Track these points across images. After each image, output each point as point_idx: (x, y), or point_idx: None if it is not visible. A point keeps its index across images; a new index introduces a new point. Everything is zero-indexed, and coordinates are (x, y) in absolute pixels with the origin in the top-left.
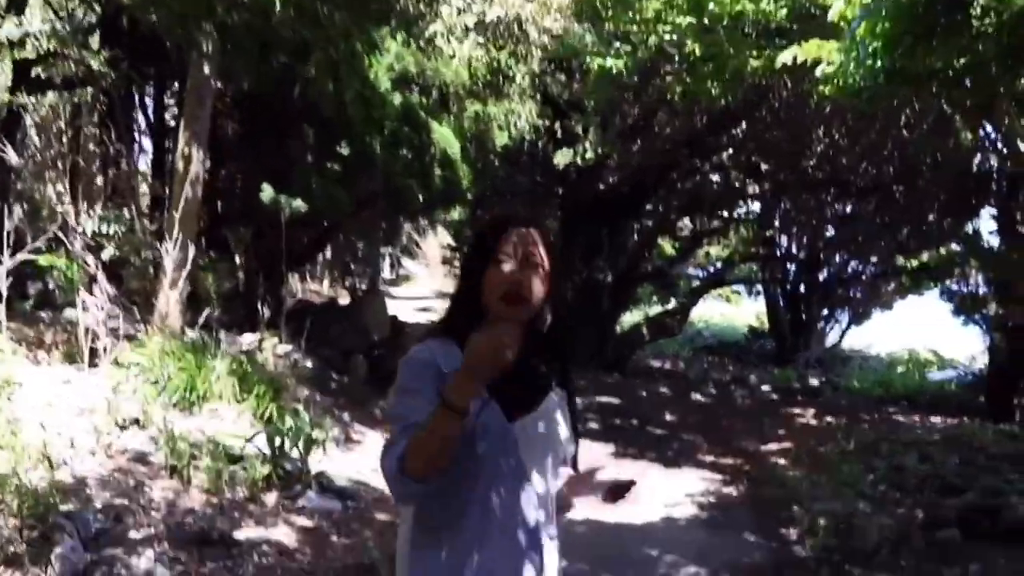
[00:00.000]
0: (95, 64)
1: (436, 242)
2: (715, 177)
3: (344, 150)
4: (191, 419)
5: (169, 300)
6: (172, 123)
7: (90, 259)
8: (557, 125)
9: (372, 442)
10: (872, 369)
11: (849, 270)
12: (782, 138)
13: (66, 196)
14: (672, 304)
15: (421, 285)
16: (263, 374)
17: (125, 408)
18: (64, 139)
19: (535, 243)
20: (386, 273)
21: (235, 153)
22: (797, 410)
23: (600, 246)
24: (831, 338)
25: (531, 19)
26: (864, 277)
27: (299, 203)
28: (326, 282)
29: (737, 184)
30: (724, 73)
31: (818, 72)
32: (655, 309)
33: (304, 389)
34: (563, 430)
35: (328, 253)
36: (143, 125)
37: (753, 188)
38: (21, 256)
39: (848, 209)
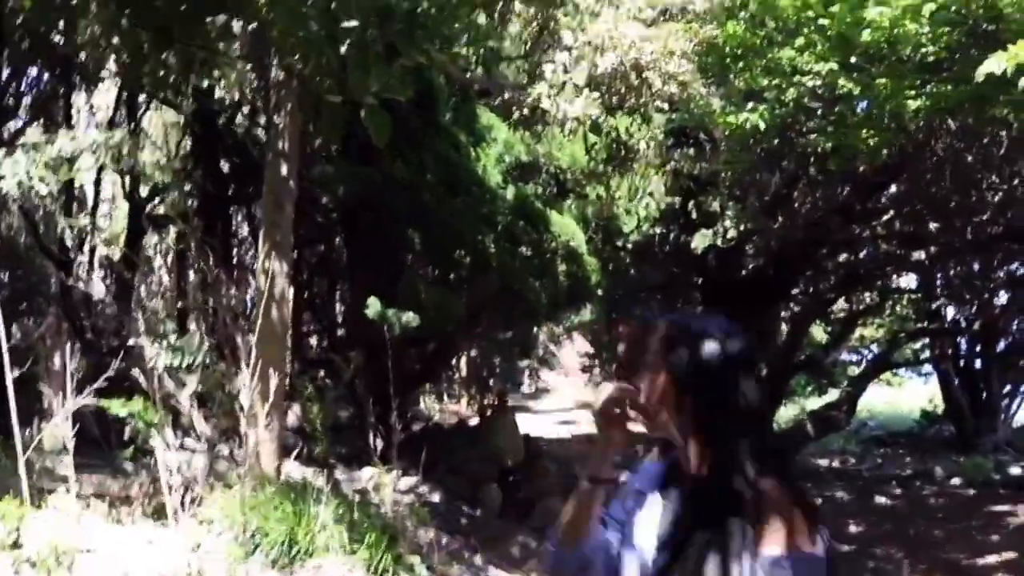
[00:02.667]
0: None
1: (574, 350)
2: (868, 249)
3: (455, 254)
4: None
5: (258, 438)
6: None
7: (174, 397)
8: (691, 205)
9: None
10: None
11: None
12: (949, 190)
13: (140, 325)
14: (833, 394)
15: (561, 397)
16: (378, 517)
17: (210, 572)
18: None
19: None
20: (525, 387)
21: (341, 269)
22: (1005, 507)
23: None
24: (1019, 417)
25: (652, 64)
26: None
27: (409, 316)
28: (464, 401)
29: (898, 252)
30: (881, 119)
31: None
32: (811, 401)
33: (428, 531)
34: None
35: (463, 369)
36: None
37: (917, 255)
38: (81, 400)
39: (1021, 268)
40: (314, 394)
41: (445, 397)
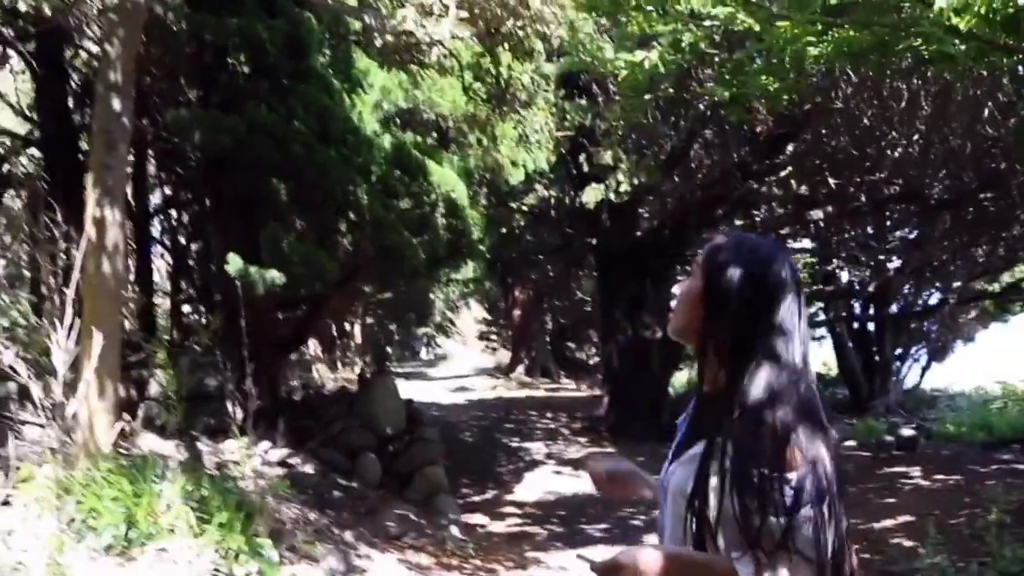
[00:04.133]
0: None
1: (471, 317)
2: (765, 210)
3: (325, 207)
4: (128, 569)
5: (90, 408)
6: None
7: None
8: (582, 158)
9: (381, 569)
10: (963, 409)
11: (921, 301)
12: (847, 146)
13: None
14: None
15: (460, 364)
16: (236, 494)
17: (29, 564)
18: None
19: (701, 253)
20: (423, 354)
21: (205, 225)
22: (899, 468)
23: (644, 299)
24: (910, 379)
25: None
26: (944, 307)
27: (273, 274)
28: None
29: (795, 212)
30: (782, 65)
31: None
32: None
33: (291, 508)
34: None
35: (357, 336)
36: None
37: (815, 215)
38: None
39: (914, 232)
40: (166, 360)
41: (340, 365)
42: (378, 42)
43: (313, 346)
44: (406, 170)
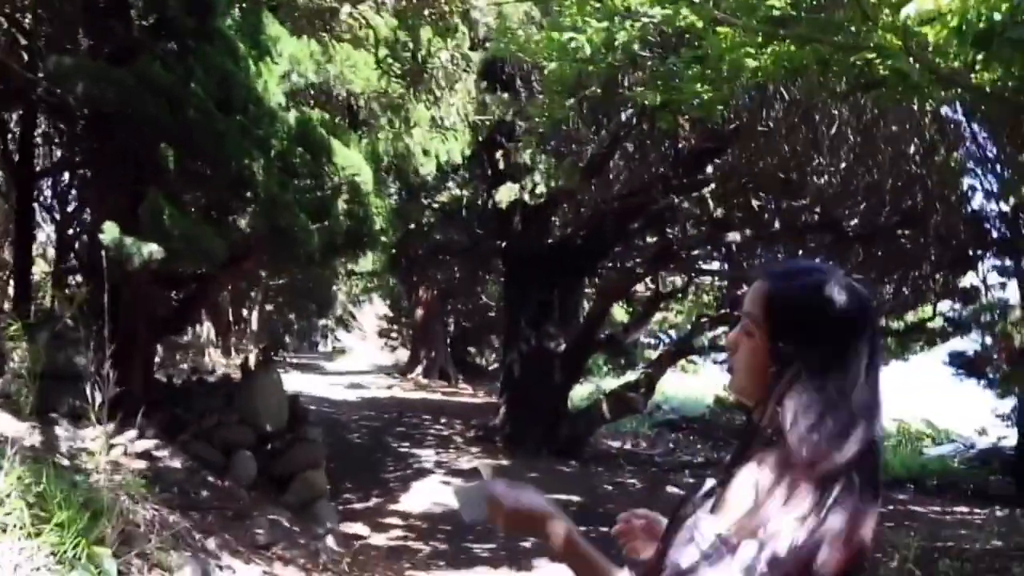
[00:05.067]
0: None
1: (373, 312)
2: (680, 228)
3: (215, 180)
4: None
5: None
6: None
7: None
8: (499, 155)
9: None
10: None
11: None
12: (773, 167)
13: None
14: (631, 375)
15: (359, 359)
16: (85, 490)
17: None
18: None
19: (751, 300)
20: (321, 347)
21: (83, 189)
22: None
23: (550, 309)
24: None
25: None
26: None
27: (152, 248)
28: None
29: (710, 233)
30: (719, 74)
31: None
32: (608, 381)
33: (148, 508)
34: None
35: (253, 323)
36: None
37: (731, 236)
38: None
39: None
40: (20, 333)
41: (234, 352)
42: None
43: (207, 330)
44: (309, 148)
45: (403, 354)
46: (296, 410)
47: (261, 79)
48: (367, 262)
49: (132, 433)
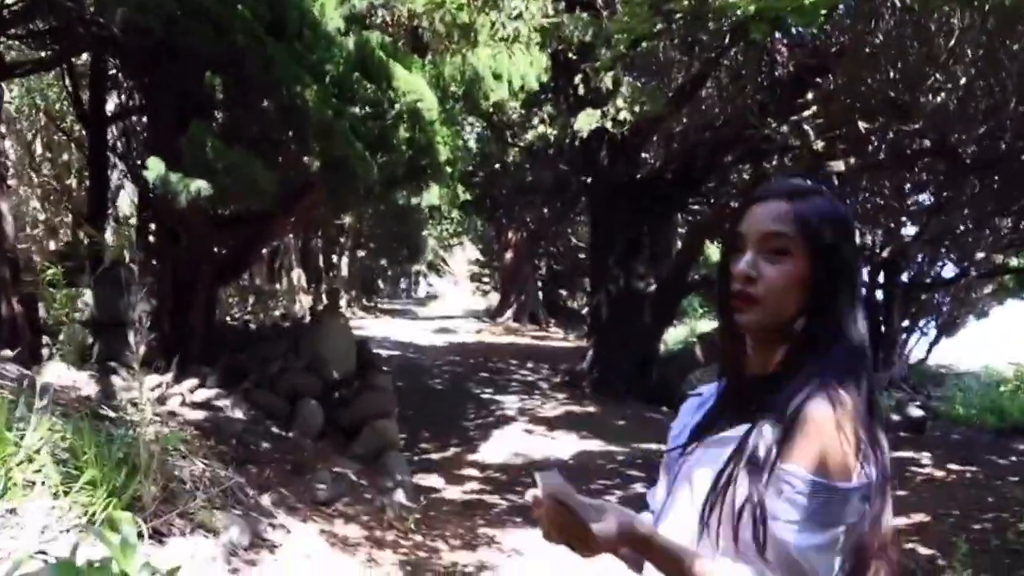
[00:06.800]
0: None
1: (464, 257)
2: (778, 159)
3: (266, 108)
4: None
5: None
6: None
7: None
8: (578, 79)
9: (296, 543)
10: (972, 390)
11: (935, 271)
12: (883, 85)
13: None
14: None
15: (451, 304)
16: (125, 444)
17: None
18: None
19: (778, 219)
20: (418, 293)
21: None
22: (907, 453)
23: (639, 248)
24: (916, 353)
25: None
26: (962, 279)
27: (200, 184)
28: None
29: (813, 162)
30: None
31: None
32: (702, 324)
33: (197, 462)
34: (707, 481)
35: (343, 269)
36: None
37: (835, 166)
38: None
39: (931, 196)
40: (59, 278)
41: (325, 299)
42: None
43: (299, 276)
44: (368, 74)
45: (495, 298)
46: (365, 356)
47: (317, 2)
48: (432, 196)
49: (192, 382)
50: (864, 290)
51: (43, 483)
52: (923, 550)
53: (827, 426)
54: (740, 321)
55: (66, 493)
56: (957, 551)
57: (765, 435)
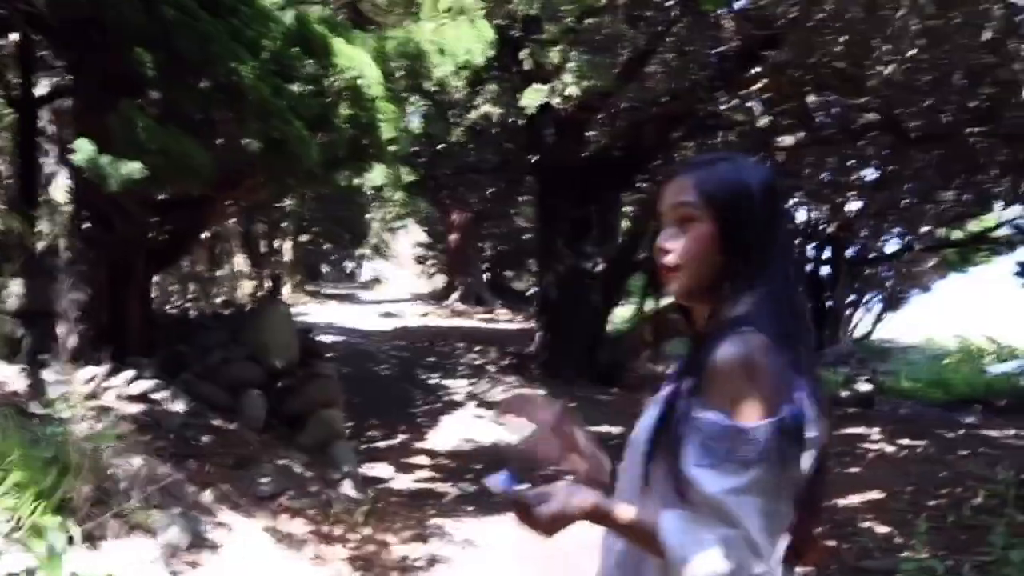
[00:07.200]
0: None
1: (409, 240)
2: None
3: (199, 86)
4: None
5: None
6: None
7: None
8: (523, 54)
9: (240, 542)
10: (918, 363)
11: (879, 245)
12: (832, 56)
13: None
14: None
15: (397, 288)
16: (57, 444)
17: None
18: None
19: (682, 190)
20: (360, 276)
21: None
22: (857, 429)
23: (587, 227)
24: (860, 328)
25: None
26: (907, 252)
27: (131, 167)
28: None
29: (762, 138)
30: None
31: None
32: (648, 304)
33: (133, 459)
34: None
35: (286, 254)
36: None
37: (784, 140)
38: None
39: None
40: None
41: (267, 283)
42: None
43: (239, 262)
44: (307, 49)
45: (440, 281)
46: (308, 344)
47: None
48: (375, 176)
49: (129, 374)
50: (809, 265)
51: None
52: (880, 528)
53: (735, 370)
54: (670, 292)
55: None
56: (917, 530)
57: (683, 386)
